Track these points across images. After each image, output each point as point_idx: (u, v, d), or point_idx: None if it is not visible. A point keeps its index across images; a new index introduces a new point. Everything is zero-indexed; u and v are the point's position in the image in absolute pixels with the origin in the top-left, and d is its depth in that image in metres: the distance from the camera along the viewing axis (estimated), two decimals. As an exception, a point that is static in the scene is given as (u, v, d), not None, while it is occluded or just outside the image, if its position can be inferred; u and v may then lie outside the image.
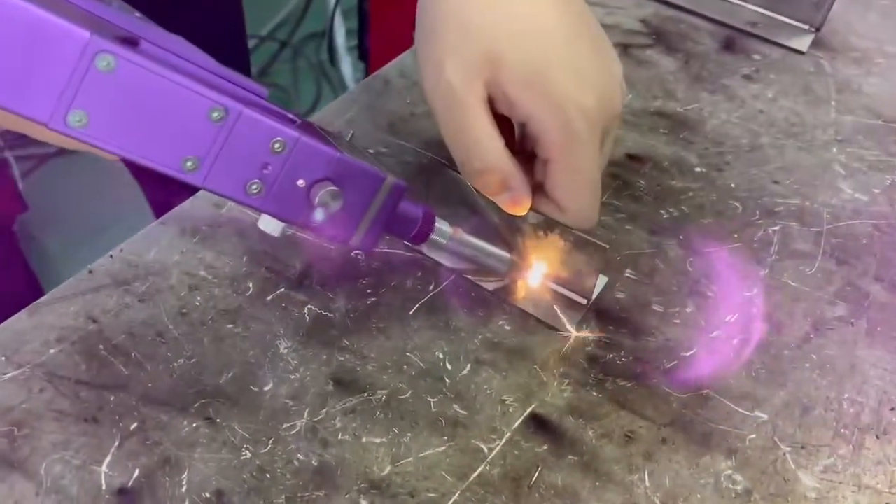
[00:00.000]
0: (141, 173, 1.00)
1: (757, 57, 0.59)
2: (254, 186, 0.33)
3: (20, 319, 0.40)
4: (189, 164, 0.31)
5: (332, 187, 0.34)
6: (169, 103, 0.29)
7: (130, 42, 0.29)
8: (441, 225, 0.40)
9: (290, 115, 0.34)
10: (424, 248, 0.44)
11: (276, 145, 0.32)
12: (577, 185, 0.39)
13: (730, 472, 0.37)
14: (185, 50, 0.32)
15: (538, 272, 0.43)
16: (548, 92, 0.37)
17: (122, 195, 1.55)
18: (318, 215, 0.35)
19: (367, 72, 1.66)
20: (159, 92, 0.29)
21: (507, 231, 0.43)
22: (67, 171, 1.64)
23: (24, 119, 0.28)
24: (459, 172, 0.40)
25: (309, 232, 0.36)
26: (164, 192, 0.99)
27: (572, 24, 0.39)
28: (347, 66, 1.74)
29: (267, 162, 0.32)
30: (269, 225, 0.36)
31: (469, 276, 0.44)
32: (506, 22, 0.37)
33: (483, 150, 0.38)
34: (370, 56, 1.61)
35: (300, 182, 0.34)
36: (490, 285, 0.43)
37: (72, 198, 1.58)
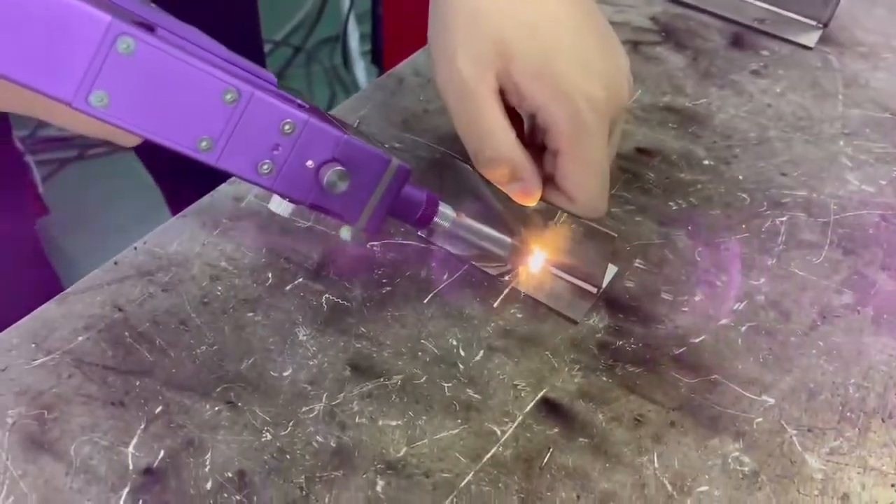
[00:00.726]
0: (154, 165, 1.01)
1: (765, 53, 0.60)
2: (265, 166, 0.34)
3: (49, 308, 0.41)
4: (203, 143, 0.32)
5: (340, 168, 0.35)
6: (185, 85, 0.31)
7: (148, 28, 0.30)
8: (444, 209, 0.41)
9: (299, 101, 0.35)
10: (432, 237, 0.45)
11: (286, 127, 0.34)
12: (586, 174, 0.40)
13: (737, 454, 0.38)
14: (198, 38, 0.33)
15: (541, 258, 0.44)
16: (557, 83, 0.38)
17: (138, 198, 1.57)
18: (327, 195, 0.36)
19: (381, 75, 1.67)
20: (176, 74, 0.30)
21: (514, 220, 0.44)
22: (86, 175, 1.67)
23: (50, 99, 0.29)
24: (471, 165, 0.41)
25: (316, 212, 0.37)
26: (177, 183, 1.01)
27: (580, 17, 0.40)
28: (361, 70, 1.76)
29: (277, 143, 0.34)
30: (281, 206, 0.37)
31: (474, 262, 0.45)
32: (516, 15, 0.39)
33: (495, 140, 0.39)
34: (383, 60, 1.63)
35: (309, 163, 0.35)
36: (494, 271, 0.44)
37: (90, 201, 1.61)
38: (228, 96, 0.32)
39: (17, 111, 0.34)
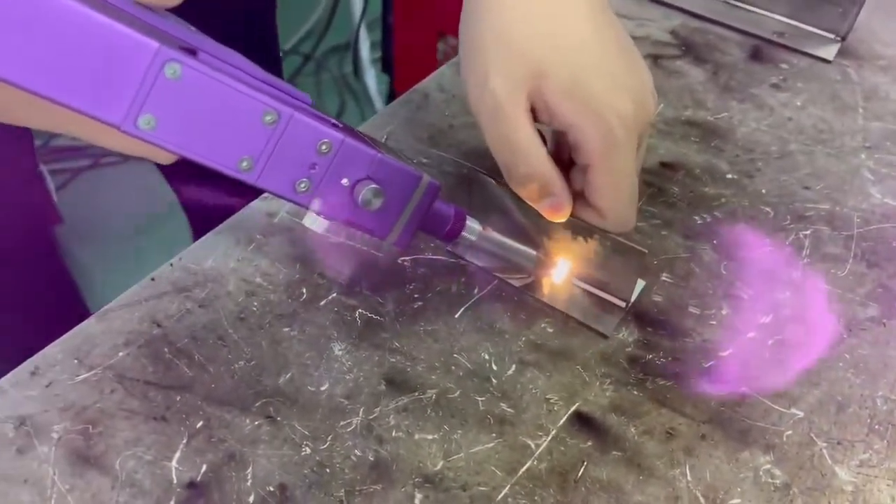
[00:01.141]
0: (175, 179, 1.02)
1: (784, 66, 0.61)
2: (302, 185, 0.35)
3: (90, 325, 0.42)
4: (244, 164, 0.33)
5: (374, 185, 0.36)
6: (227, 108, 0.32)
7: (191, 52, 0.31)
8: (471, 223, 0.42)
9: (333, 121, 0.36)
10: (457, 249, 0.46)
11: (323, 146, 0.35)
12: (616, 189, 0.41)
13: (768, 466, 0.38)
14: (235, 59, 0.34)
15: (565, 270, 0.45)
16: (588, 101, 0.39)
17: (151, 207, 1.59)
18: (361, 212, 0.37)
19: (391, 84, 1.69)
20: (219, 97, 0.31)
21: (541, 234, 0.45)
22: (99, 184, 1.68)
23: (99, 122, 0.30)
24: (497, 180, 0.42)
25: (350, 228, 0.38)
26: (194, 189, 1.01)
27: (606, 37, 0.41)
28: (371, 78, 1.77)
29: (314, 162, 0.35)
30: (315, 223, 0.38)
31: (498, 275, 0.46)
32: (547, 36, 0.39)
33: (528, 156, 0.40)
34: (394, 68, 1.64)
35: (344, 181, 0.36)
36: (518, 282, 0.45)
37: (103, 210, 1.62)
38: (268, 118, 0.33)
39: (52, 129, 0.34)
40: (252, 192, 0.93)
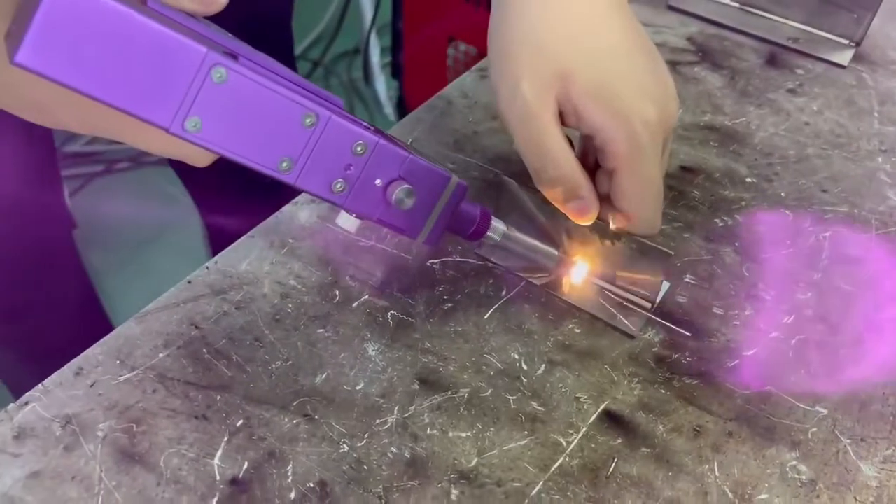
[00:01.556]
0: (193, 187, 1.04)
1: (800, 71, 0.62)
2: (338, 185, 0.36)
3: (130, 327, 0.43)
4: (284, 164, 0.34)
5: (407, 185, 0.37)
6: (269, 110, 0.33)
7: (233, 56, 0.33)
8: (496, 223, 0.43)
9: (365, 123, 0.38)
10: (481, 248, 0.47)
11: (359, 148, 0.36)
12: (642, 192, 0.42)
13: (794, 462, 0.39)
14: (272, 64, 0.35)
15: (585, 269, 0.46)
16: (615, 105, 0.40)
17: (164, 212, 1.60)
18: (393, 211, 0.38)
19: (401, 89, 1.70)
20: (261, 100, 0.33)
21: (566, 237, 0.46)
22: (112, 189, 1.69)
23: (143, 124, 0.31)
24: (523, 184, 0.43)
25: (382, 227, 0.39)
26: (217, 205, 1.03)
27: (633, 44, 0.42)
28: (381, 83, 1.78)
29: (350, 163, 0.36)
30: (348, 222, 0.39)
31: (520, 273, 0.47)
32: (575, 41, 0.41)
33: (557, 159, 0.41)
34: (404, 74, 1.65)
35: (378, 181, 0.37)
36: (539, 281, 0.46)
37: (117, 215, 1.64)
38: (308, 120, 0.34)
39: (91, 131, 0.35)
40: (268, 197, 0.94)
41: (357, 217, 0.39)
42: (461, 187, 0.40)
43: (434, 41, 1.49)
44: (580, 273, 0.46)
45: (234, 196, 0.94)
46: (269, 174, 0.34)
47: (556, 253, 0.45)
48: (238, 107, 0.32)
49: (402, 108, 1.73)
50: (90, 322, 0.97)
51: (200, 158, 0.36)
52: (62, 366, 0.42)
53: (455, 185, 0.40)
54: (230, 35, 0.37)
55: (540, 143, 0.41)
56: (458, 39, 1.46)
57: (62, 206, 0.94)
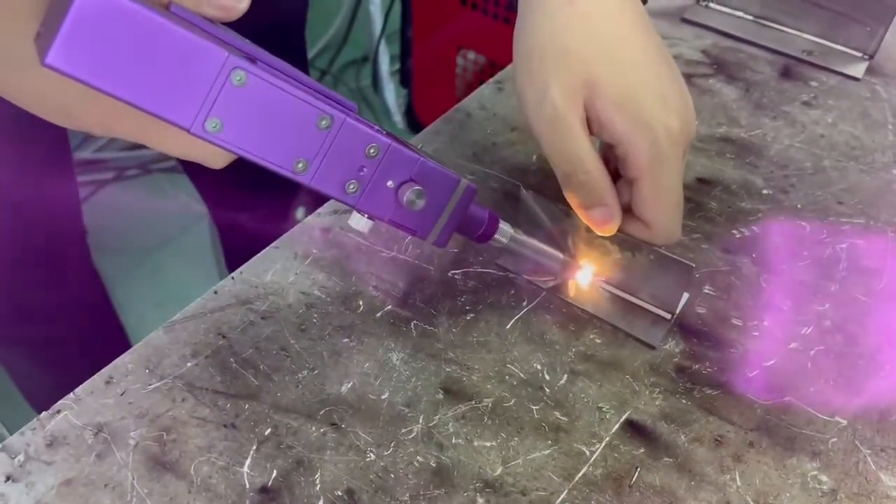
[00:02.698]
0: (206, 192, 1.05)
1: (814, 84, 0.63)
2: (351, 186, 0.37)
3: (157, 336, 0.44)
4: (300, 165, 0.35)
5: (418, 187, 0.38)
6: (286, 112, 0.34)
7: (251, 61, 0.33)
8: (504, 226, 0.44)
9: (377, 127, 0.39)
10: (500, 260, 0.48)
11: (372, 150, 0.37)
12: (662, 201, 0.42)
13: (815, 472, 0.40)
14: (287, 68, 0.36)
15: (591, 273, 0.47)
16: (638, 114, 0.41)
17: (174, 219, 1.61)
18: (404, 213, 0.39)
19: (410, 97, 1.71)
20: (279, 103, 0.34)
21: (585, 248, 0.47)
22: (123, 196, 1.70)
23: (163, 124, 0.32)
24: (542, 196, 0.43)
25: (393, 227, 0.40)
26: (228, 209, 1.03)
27: (656, 56, 0.43)
28: (390, 91, 1.79)
29: (363, 165, 0.37)
30: (360, 223, 0.40)
31: (526, 276, 0.47)
32: (603, 52, 0.41)
33: (586, 163, 0.41)
34: (413, 82, 1.66)
35: (389, 183, 0.38)
36: (545, 284, 0.47)
37: (127, 221, 1.65)
38: (323, 122, 0.35)
39: (109, 133, 0.36)
40: (279, 201, 0.94)
41: (369, 218, 0.39)
42: (470, 190, 0.41)
43: (443, 50, 1.50)
44: (586, 276, 0.47)
45: (245, 200, 0.95)
46: (285, 175, 0.35)
47: (561, 256, 0.46)
48: (256, 109, 0.33)
49: (411, 117, 1.74)
50: (103, 326, 0.98)
51: (217, 160, 0.37)
52: (76, 369, 0.43)
53: (465, 188, 0.41)
54: (248, 41, 0.38)
55: (569, 148, 0.42)
56: (467, 48, 1.47)
57: (77, 210, 0.95)
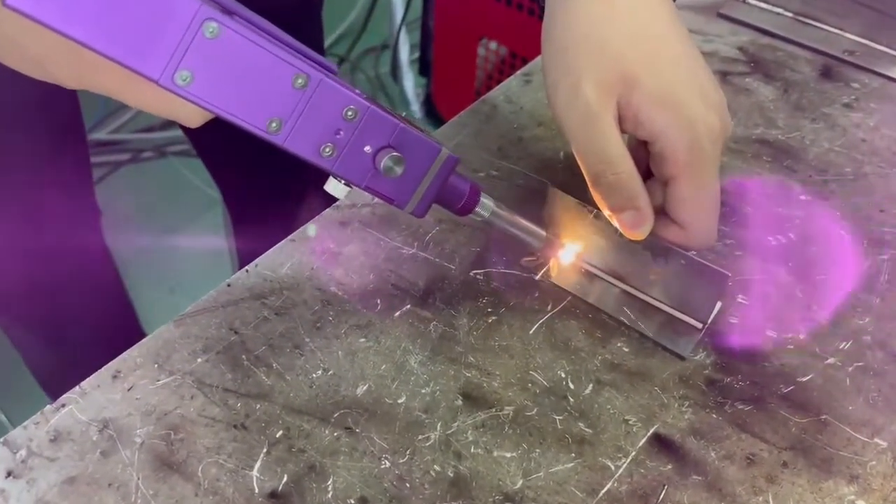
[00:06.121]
0: (219, 177, 1.03)
1: (856, 85, 0.60)
2: (327, 149, 0.36)
3: (168, 329, 0.43)
4: (273, 125, 0.34)
5: (396, 153, 0.37)
6: (260, 69, 0.33)
7: (228, 13, 0.32)
8: (485, 199, 0.42)
9: (358, 91, 0.37)
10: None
11: (349, 112, 0.35)
12: (700, 201, 0.41)
13: (852, 497, 0.38)
14: (270, 27, 0.35)
15: (572, 253, 0.46)
16: (679, 111, 0.39)
17: (189, 201, 1.60)
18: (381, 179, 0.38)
19: (429, 87, 1.69)
20: (253, 58, 0.32)
21: (615, 252, 0.45)
22: (138, 178, 1.70)
23: (135, 76, 0.31)
24: (569, 195, 0.42)
25: (370, 194, 0.39)
26: (242, 196, 1.02)
27: (692, 54, 0.42)
28: (409, 80, 1.77)
29: (339, 128, 0.36)
30: (337, 189, 0.38)
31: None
32: (640, 48, 0.40)
33: (618, 164, 0.40)
34: (432, 71, 1.64)
35: (367, 148, 0.37)
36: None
37: (142, 204, 1.64)
38: (299, 81, 0.34)
39: (84, 86, 0.35)
40: (294, 188, 0.92)
41: (345, 184, 0.38)
42: (451, 160, 0.39)
43: (465, 39, 1.47)
44: (568, 255, 0.46)
45: (259, 187, 0.93)
46: (259, 134, 0.34)
47: (543, 233, 0.44)
48: (229, 63, 0.32)
49: (430, 106, 1.71)
50: (115, 309, 0.97)
51: (193, 118, 0.35)
52: (89, 354, 0.41)
53: (445, 157, 0.39)
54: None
55: (601, 147, 0.40)
56: (489, 38, 1.44)
57: (90, 195, 0.94)
